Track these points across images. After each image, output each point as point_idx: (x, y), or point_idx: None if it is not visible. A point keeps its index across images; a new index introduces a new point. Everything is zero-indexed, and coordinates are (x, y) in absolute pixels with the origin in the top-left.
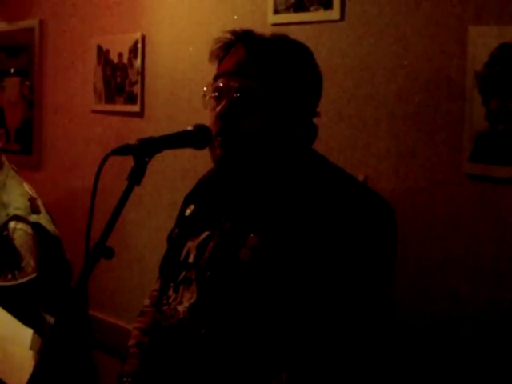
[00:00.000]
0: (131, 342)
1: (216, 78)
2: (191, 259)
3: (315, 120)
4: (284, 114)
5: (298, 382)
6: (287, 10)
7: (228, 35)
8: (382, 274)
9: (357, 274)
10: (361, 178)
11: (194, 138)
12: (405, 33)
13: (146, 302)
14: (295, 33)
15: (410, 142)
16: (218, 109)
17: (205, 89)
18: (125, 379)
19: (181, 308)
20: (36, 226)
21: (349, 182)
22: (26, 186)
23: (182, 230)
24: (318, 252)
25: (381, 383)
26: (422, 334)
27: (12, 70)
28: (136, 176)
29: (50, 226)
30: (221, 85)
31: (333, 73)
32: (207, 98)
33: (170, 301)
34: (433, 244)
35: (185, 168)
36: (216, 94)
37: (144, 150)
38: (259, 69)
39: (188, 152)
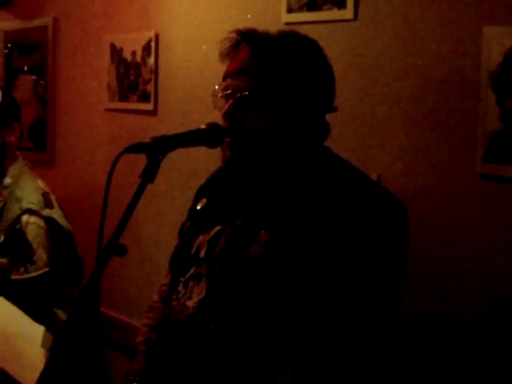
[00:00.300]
0: (139, 338)
1: (224, 79)
2: (202, 254)
3: (328, 118)
4: (292, 112)
5: (303, 380)
6: (300, 8)
7: (234, 35)
8: (393, 273)
9: (367, 273)
10: (374, 177)
11: (206, 136)
12: (418, 32)
13: (155, 297)
14: (308, 32)
15: (423, 141)
16: (224, 108)
17: (216, 87)
18: (132, 377)
19: (190, 303)
20: (49, 220)
21: (362, 181)
22: (40, 182)
23: (194, 223)
24: (328, 250)
25: (386, 382)
26: (433, 335)
27: (25, 68)
28: (149, 174)
29: (62, 221)
30: (227, 85)
31: (346, 72)
32: (217, 98)
33: (180, 296)
34: (445, 244)
35: (198, 167)
36: (223, 94)
37: (157, 148)
38: (264, 67)
39: (201, 151)
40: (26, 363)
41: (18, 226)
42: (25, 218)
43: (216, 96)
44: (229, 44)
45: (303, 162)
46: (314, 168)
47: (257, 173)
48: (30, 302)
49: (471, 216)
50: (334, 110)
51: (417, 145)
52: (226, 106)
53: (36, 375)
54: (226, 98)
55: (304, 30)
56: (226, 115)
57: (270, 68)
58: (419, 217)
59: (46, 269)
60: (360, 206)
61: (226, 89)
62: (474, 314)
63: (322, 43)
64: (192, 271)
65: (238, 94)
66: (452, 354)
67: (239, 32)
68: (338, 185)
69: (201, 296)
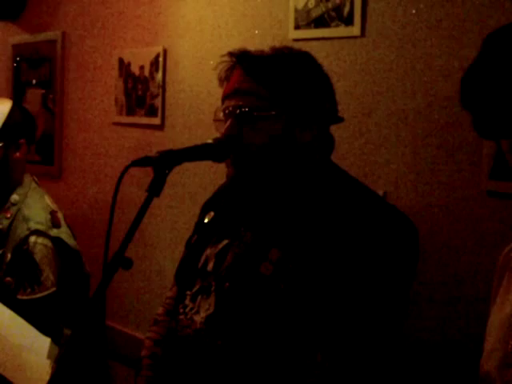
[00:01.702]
0: (144, 352)
1: (222, 102)
2: (210, 267)
3: (334, 134)
4: (290, 124)
5: None
6: (308, 25)
7: (226, 58)
8: (402, 292)
9: (377, 293)
10: (380, 193)
11: (213, 150)
12: (425, 49)
13: (160, 310)
14: (316, 48)
15: (429, 158)
16: (224, 128)
17: (216, 112)
18: None
19: (197, 318)
20: (56, 241)
21: (371, 198)
22: (48, 199)
23: (201, 236)
24: (339, 268)
25: None
26: (438, 352)
27: (34, 82)
28: (155, 188)
29: (70, 240)
30: (225, 107)
31: (353, 88)
32: (218, 122)
33: (187, 310)
34: (451, 261)
35: (205, 181)
36: (222, 115)
37: (163, 162)
38: (257, 83)
39: (209, 165)
40: (32, 375)
41: (25, 247)
42: (32, 239)
43: (217, 120)
44: (223, 68)
45: (310, 177)
46: (321, 184)
47: (261, 188)
48: (36, 320)
49: (478, 233)
50: (340, 120)
51: (423, 161)
52: (225, 127)
53: None
54: (226, 118)
55: (311, 46)
56: (226, 136)
57: (264, 83)
58: (425, 233)
59: (54, 288)
60: (370, 223)
61: (224, 110)
62: (480, 331)
63: (329, 59)
64: (199, 285)
65: (237, 111)
66: (459, 373)
67: (231, 54)
68: (346, 202)
69: (209, 312)
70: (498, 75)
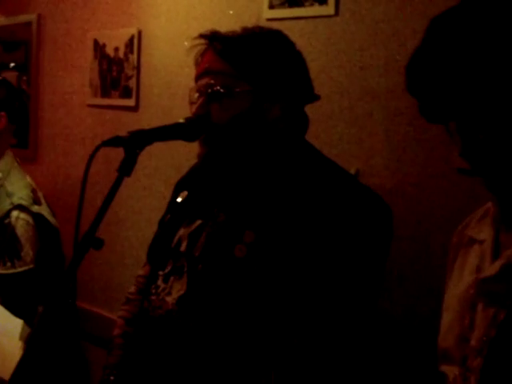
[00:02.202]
0: (116, 331)
1: (195, 82)
2: (183, 248)
3: (307, 113)
4: (256, 101)
5: (287, 381)
6: (282, 5)
7: (198, 40)
8: (376, 270)
9: (351, 272)
10: (352, 171)
11: (184, 130)
12: (399, 28)
13: (132, 288)
14: (290, 28)
15: (401, 136)
16: (194, 108)
17: (190, 94)
18: (109, 371)
19: (169, 299)
20: (38, 217)
21: (344, 178)
22: (29, 178)
23: (174, 216)
24: (313, 250)
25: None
26: (410, 331)
27: (12, 65)
28: (126, 168)
29: (50, 218)
30: (196, 87)
31: (326, 67)
32: (192, 103)
33: (159, 291)
34: (423, 237)
35: (179, 163)
36: (195, 96)
37: (134, 142)
38: (228, 63)
39: (183, 145)
40: (5, 356)
41: (7, 221)
42: (15, 213)
43: (192, 102)
44: (196, 50)
45: (283, 156)
46: (295, 164)
47: (233, 167)
48: (12, 297)
49: (449, 209)
50: (316, 98)
51: (395, 139)
52: (195, 106)
53: (13, 367)
54: (198, 99)
55: (286, 26)
56: (196, 115)
57: (232, 62)
58: (397, 211)
59: (32, 265)
60: (343, 204)
61: (195, 92)
62: None
63: (303, 39)
64: (171, 265)
65: (206, 91)
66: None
67: (202, 36)
68: (320, 182)
69: (181, 292)
70: (441, 60)
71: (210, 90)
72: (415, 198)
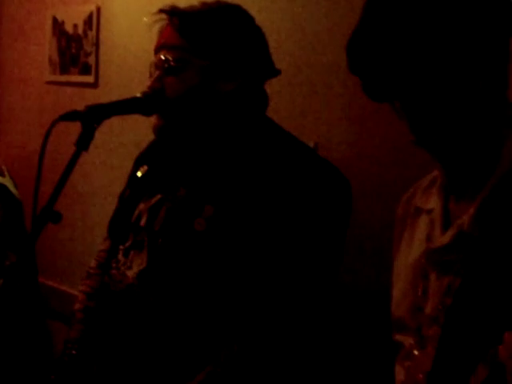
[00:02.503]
0: (77, 306)
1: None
2: (143, 222)
3: (267, 86)
4: (209, 75)
5: (249, 354)
6: None
7: (158, 16)
8: (336, 243)
9: (311, 244)
10: (311, 144)
11: (141, 104)
12: (355, 2)
13: (93, 263)
14: (249, 3)
15: (360, 110)
16: (150, 82)
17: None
18: (70, 345)
19: (130, 273)
20: (1, 188)
21: (303, 152)
22: None
23: (134, 190)
24: (272, 223)
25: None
26: (370, 301)
27: None
28: (83, 142)
29: (14, 190)
30: (154, 61)
31: (284, 41)
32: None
33: (120, 265)
34: (383, 210)
35: (140, 138)
36: (153, 70)
37: (91, 116)
38: (181, 38)
39: (143, 122)
40: None
41: None
42: None
43: (150, 76)
44: (156, 26)
45: (243, 131)
46: (254, 138)
47: (190, 142)
48: None
49: (407, 181)
50: (276, 73)
51: (353, 113)
52: (151, 80)
53: None
54: (154, 73)
55: (245, 1)
56: (152, 89)
57: (187, 36)
58: (356, 184)
59: None
60: (302, 177)
61: (153, 65)
62: None
63: (261, 15)
64: (132, 239)
65: (161, 65)
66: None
67: (161, 11)
68: (279, 156)
69: (141, 267)
70: (381, 36)
71: (166, 65)
72: (374, 171)
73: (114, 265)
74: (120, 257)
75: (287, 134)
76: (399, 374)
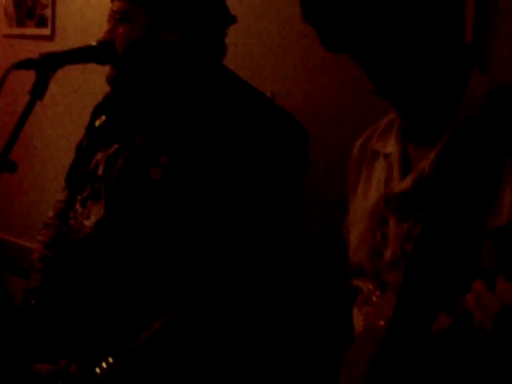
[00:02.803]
0: (35, 255)
1: None
2: (100, 172)
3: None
4: (154, 25)
5: (205, 301)
6: None
7: None
8: (291, 191)
9: (266, 192)
10: (268, 94)
11: (96, 53)
12: None
13: (50, 213)
14: None
15: (317, 59)
16: (106, 32)
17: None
18: (30, 295)
19: (88, 223)
20: None
21: (260, 100)
22: None
23: (92, 140)
24: (228, 170)
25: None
26: (327, 247)
27: None
28: (38, 90)
29: None
30: (110, 9)
31: None
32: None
33: (77, 215)
34: (340, 158)
35: (97, 89)
36: (110, 19)
37: (46, 64)
38: None
39: (100, 73)
40: None
41: None
42: None
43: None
44: None
45: (199, 81)
46: (211, 88)
47: (144, 92)
48: None
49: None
50: (231, 21)
51: (310, 63)
52: (108, 28)
53: None
54: (109, 24)
55: None
56: (105, 38)
57: None
58: (313, 134)
59: None
60: (259, 126)
61: (110, 14)
62: None
63: None
64: (89, 189)
65: (113, 16)
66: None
67: None
68: (236, 105)
69: (99, 216)
70: None
71: (116, 16)
72: (331, 121)
73: (71, 215)
74: (77, 207)
75: (244, 82)
76: (358, 319)
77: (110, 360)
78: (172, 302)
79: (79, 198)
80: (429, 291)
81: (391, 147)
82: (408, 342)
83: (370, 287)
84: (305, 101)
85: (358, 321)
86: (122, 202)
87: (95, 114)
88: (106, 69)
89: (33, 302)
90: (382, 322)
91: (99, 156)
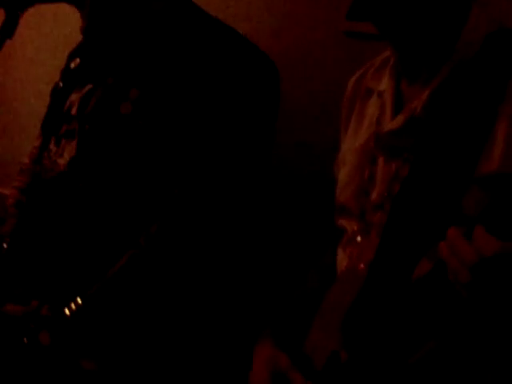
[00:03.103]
0: (10, 201)
1: None
2: (74, 111)
3: None
4: None
5: (167, 233)
6: None
7: None
8: (263, 129)
9: (234, 126)
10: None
11: None
12: None
13: (26, 159)
14: None
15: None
16: None
17: None
18: (1, 240)
19: (61, 161)
20: None
21: (232, 37)
22: None
23: (67, 83)
24: (197, 103)
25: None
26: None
27: None
28: (7, 29)
29: None
30: None
31: None
32: None
33: (51, 154)
34: (310, 103)
35: (68, 34)
36: None
37: (15, 2)
38: None
39: (71, 16)
40: None
41: None
42: None
43: None
44: None
45: (168, 17)
46: (181, 24)
47: (117, 35)
48: None
49: (336, 73)
50: None
51: (281, 3)
52: None
53: None
54: None
55: None
56: None
57: None
58: (284, 75)
59: None
60: (231, 61)
61: None
62: None
63: None
64: (64, 129)
65: None
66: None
67: None
68: (206, 40)
69: (72, 154)
70: None
71: None
72: (303, 62)
73: (45, 154)
74: (52, 146)
75: (214, 19)
76: (341, 259)
77: (79, 300)
78: (135, 233)
79: (54, 138)
80: (412, 235)
81: (385, 84)
82: (387, 286)
83: (355, 228)
84: (276, 43)
85: (342, 261)
86: (93, 138)
87: (70, 58)
88: (78, 15)
89: (5, 245)
90: (362, 265)
91: (73, 97)
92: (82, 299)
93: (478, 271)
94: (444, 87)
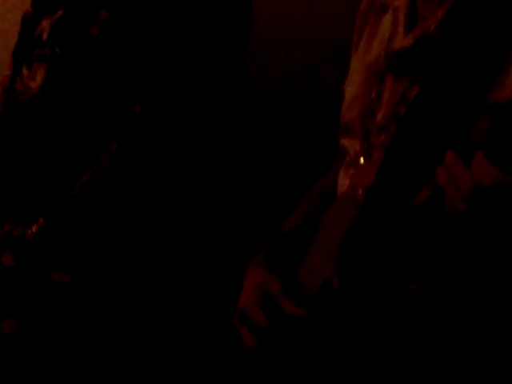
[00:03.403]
0: None
1: None
2: (45, 37)
3: None
4: None
5: (128, 150)
6: None
7: None
8: (230, 49)
9: (200, 45)
10: None
11: None
12: None
13: None
14: None
15: None
16: None
17: None
18: None
19: (33, 84)
20: None
21: None
22: None
23: (38, 9)
24: (167, 23)
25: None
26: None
27: None
28: None
29: None
30: None
31: None
32: None
33: (24, 78)
34: (292, 24)
35: None
36: None
37: None
38: None
39: None
40: None
41: None
42: None
43: None
44: None
45: None
46: None
47: None
48: None
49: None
50: None
51: None
52: None
53: None
54: None
55: None
56: None
57: None
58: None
59: None
60: None
61: None
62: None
63: None
64: (36, 53)
65: None
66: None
67: None
68: None
69: (44, 76)
70: None
71: None
72: None
73: (18, 79)
74: (24, 71)
75: None
76: (342, 181)
77: (41, 221)
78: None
79: (25, 63)
80: (415, 159)
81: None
82: (385, 213)
83: (358, 148)
84: None
85: (343, 182)
86: (64, 60)
87: None
88: None
89: None
90: (360, 191)
91: (44, 23)
92: (44, 220)
93: (474, 201)
94: (461, 6)
